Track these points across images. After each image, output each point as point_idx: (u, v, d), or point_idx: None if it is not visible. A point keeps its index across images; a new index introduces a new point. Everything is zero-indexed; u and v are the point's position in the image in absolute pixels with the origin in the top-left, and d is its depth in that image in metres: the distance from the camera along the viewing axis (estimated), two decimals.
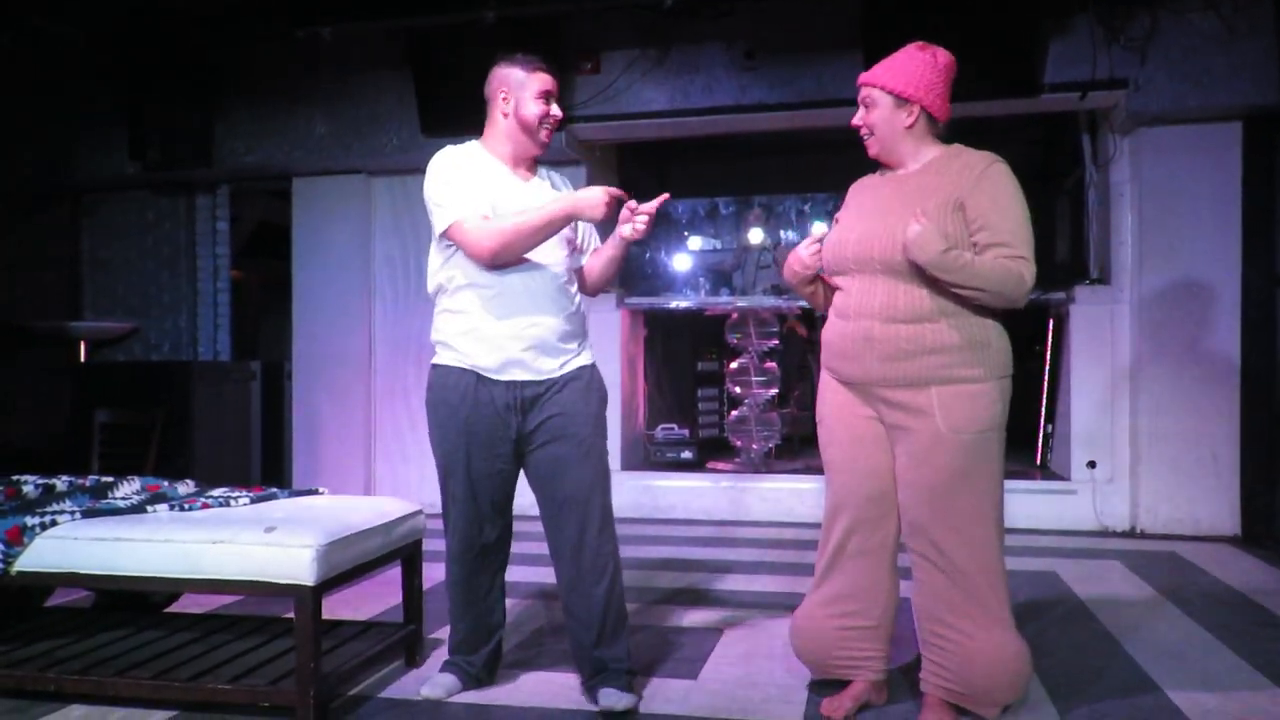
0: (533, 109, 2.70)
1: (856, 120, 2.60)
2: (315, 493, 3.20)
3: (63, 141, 6.50)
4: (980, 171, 2.45)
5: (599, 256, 2.89)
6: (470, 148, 2.78)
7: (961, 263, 2.33)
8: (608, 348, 6.14)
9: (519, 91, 2.70)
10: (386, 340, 6.34)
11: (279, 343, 6.58)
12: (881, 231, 2.46)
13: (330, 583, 2.56)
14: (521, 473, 2.79)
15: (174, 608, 3.51)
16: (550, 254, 2.71)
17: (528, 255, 2.65)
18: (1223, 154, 5.19)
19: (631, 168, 6.95)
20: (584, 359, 2.79)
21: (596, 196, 2.57)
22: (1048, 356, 6.13)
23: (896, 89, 2.51)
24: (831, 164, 7.65)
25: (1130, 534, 5.33)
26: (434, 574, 3.51)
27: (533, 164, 2.81)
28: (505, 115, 2.72)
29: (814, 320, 7.86)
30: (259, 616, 3.30)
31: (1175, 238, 5.24)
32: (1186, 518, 5.23)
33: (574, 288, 2.82)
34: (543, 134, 2.73)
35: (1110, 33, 5.06)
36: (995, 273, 2.36)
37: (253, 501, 3.00)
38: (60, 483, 3.08)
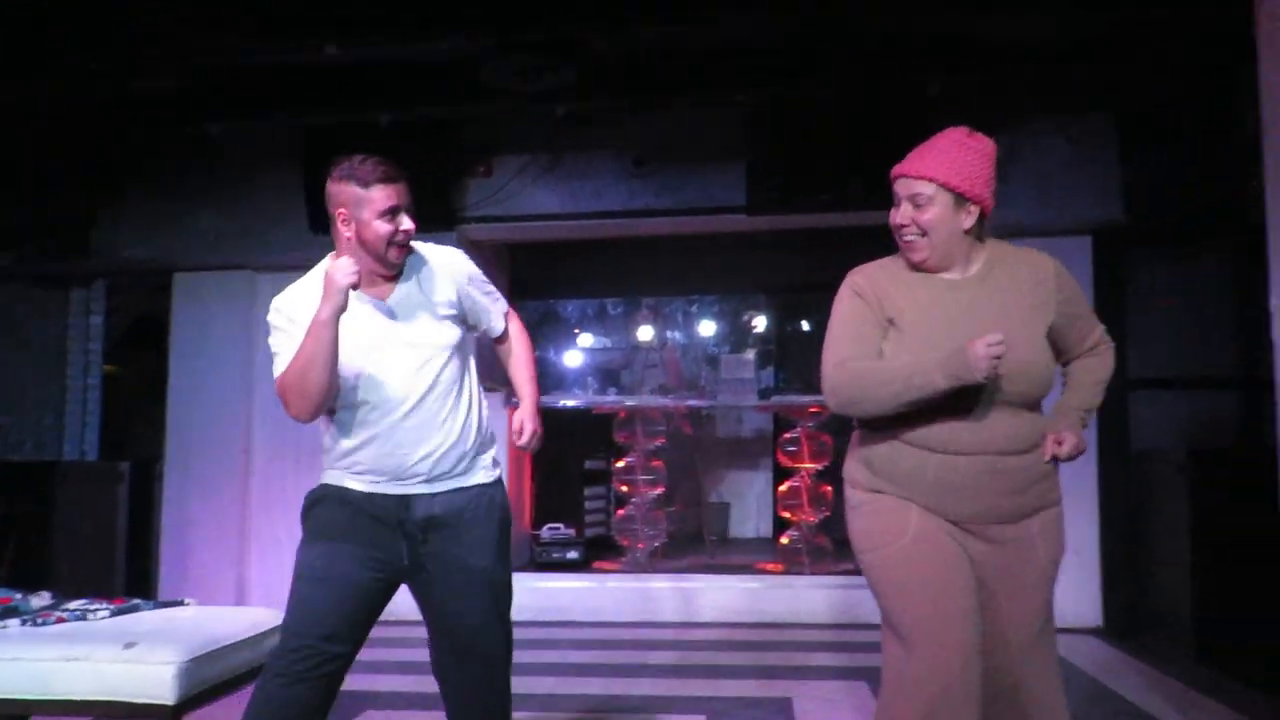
0: (376, 229, 2.34)
1: (902, 219, 2.25)
2: (181, 604, 3.07)
3: None
4: (1058, 278, 2.28)
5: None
6: (313, 278, 2.45)
7: (1097, 403, 2.32)
8: (497, 447, 6.10)
9: (358, 210, 2.35)
10: (266, 441, 6.16)
11: (152, 441, 6.33)
12: (1006, 355, 2.08)
13: (192, 701, 2.44)
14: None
15: None
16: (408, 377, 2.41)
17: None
18: (1076, 265, 5.52)
19: (522, 267, 7.03)
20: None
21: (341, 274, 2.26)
22: None
23: (960, 186, 2.20)
24: (718, 266, 7.91)
25: None
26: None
27: (390, 277, 2.45)
28: (348, 239, 2.37)
29: (700, 419, 7.99)
30: None
31: None
32: (1055, 611, 5.41)
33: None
34: (392, 254, 2.38)
35: None
36: (1101, 386, 2.35)
37: (113, 614, 2.85)
38: None
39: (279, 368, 2.38)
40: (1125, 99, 5.30)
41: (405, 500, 2.42)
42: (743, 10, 4.43)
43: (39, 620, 2.72)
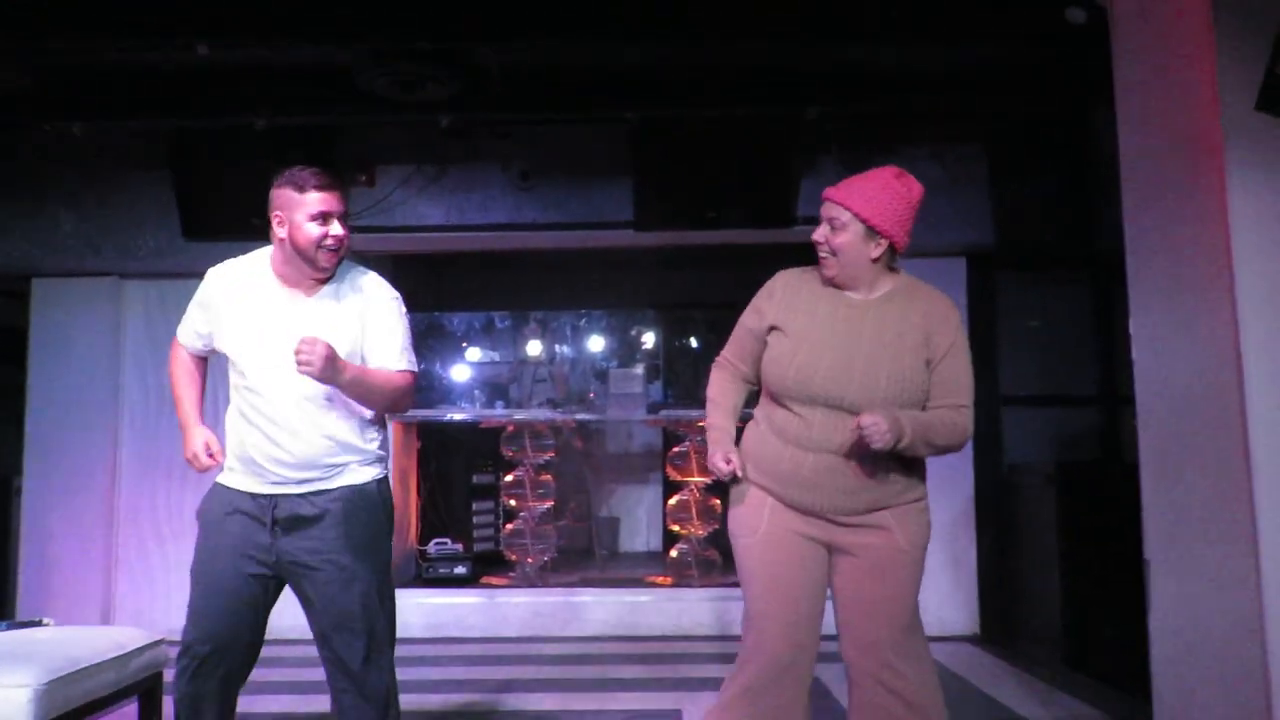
0: (307, 232, 2.52)
1: (819, 237, 2.51)
2: (40, 623, 2.90)
3: None
4: (945, 316, 2.49)
5: None
6: (251, 260, 2.68)
7: (911, 441, 2.34)
8: None
9: (291, 213, 2.53)
10: (135, 454, 5.87)
11: (11, 456, 5.96)
12: (858, 370, 2.41)
13: None
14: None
15: None
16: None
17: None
18: (951, 286, 5.75)
19: (407, 279, 6.90)
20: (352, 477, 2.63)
21: (187, 452, 2.65)
22: None
23: (872, 220, 2.44)
24: (606, 281, 7.94)
25: None
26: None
27: (316, 283, 2.61)
28: (281, 240, 2.56)
29: (590, 433, 7.98)
30: None
31: None
32: (933, 620, 5.54)
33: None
34: (321, 257, 2.54)
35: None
36: (943, 434, 2.42)
37: None
38: None
39: (180, 331, 2.78)
40: (995, 128, 5.56)
41: (274, 499, 2.56)
42: (630, 33, 4.46)
43: None
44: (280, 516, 2.55)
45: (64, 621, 3.03)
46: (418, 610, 5.77)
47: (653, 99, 5.10)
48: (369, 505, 2.62)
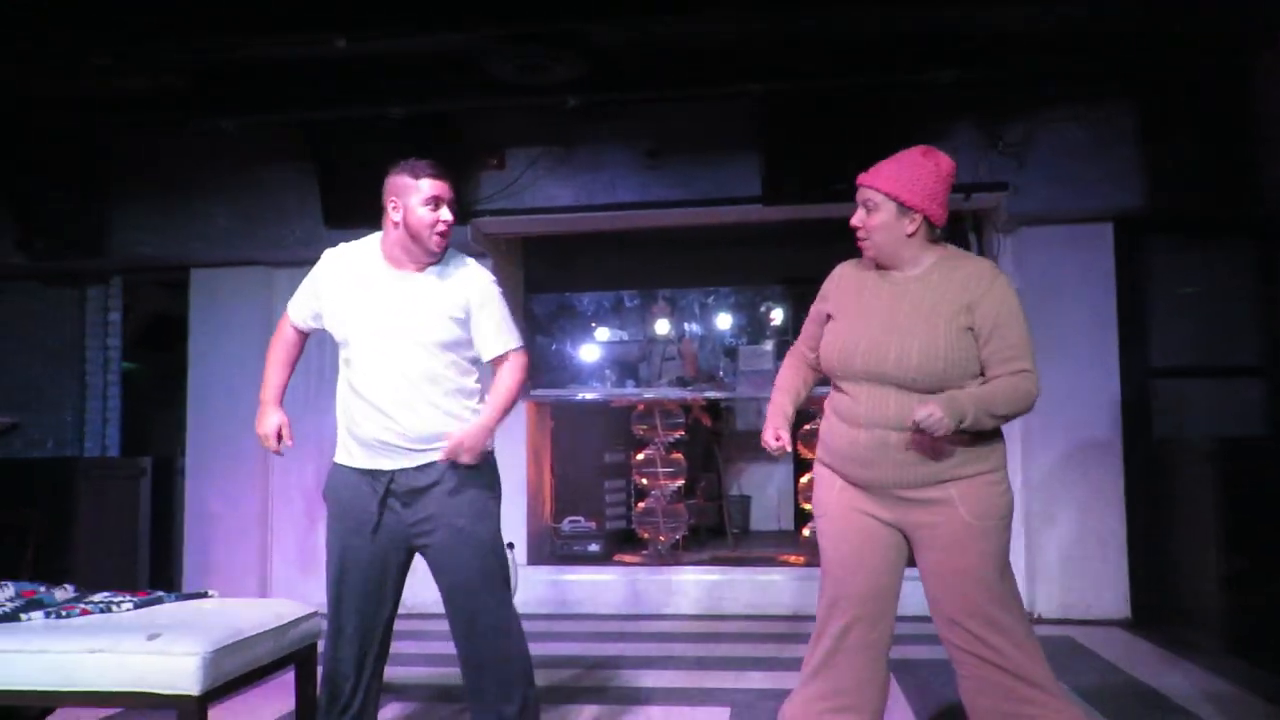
0: (419, 216, 2.70)
1: (856, 221, 2.59)
2: (204, 595, 3.07)
3: None
4: (989, 283, 2.50)
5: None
6: (362, 244, 2.86)
7: (975, 417, 2.38)
8: (513, 440, 6.11)
9: (406, 198, 2.71)
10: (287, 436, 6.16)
11: (175, 437, 6.34)
12: (893, 345, 2.48)
13: (217, 691, 2.44)
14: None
15: None
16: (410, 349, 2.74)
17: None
18: (1097, 253, 5.50)
19: (537, 260, 7.02)
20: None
21: (260, 431, 2.94)
22: None
23: (901, 196, 2.51)
24: (734, 258, 7.87)
25: (1028, 619, 5.44)
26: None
27: (423, 266, 2.79)
28: (395, 224, 2.73)
29: (719, 411, 7.96)
30: None
31: (1057, 330, 5.48)
32: (1080, 603, 5.37)
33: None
34: (432, 241, 2.72)
35: (990, 139, 5.37)
36: (1006, 403, 2.44)
37: (136, 606, 2.85)
38: None
39: (291, 306, 2.98)
40: (1143, 85, 5.24)
41: (390, 474, 2.74)
42: (756, 4, 4.38)
43: (63, 613, 2.72)
44: (397, 490, 2.73)
45: (225, 594, 3.20)
46: (551, 587, 5.89)
47: (780, 71, 5.01)
48: (478, 472, 2.79)
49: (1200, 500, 4.76)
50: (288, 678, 2.99)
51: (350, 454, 2.80)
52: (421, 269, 2.78)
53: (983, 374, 2.50)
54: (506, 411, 2.85)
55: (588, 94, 5.14)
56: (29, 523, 4.67)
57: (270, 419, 2.92)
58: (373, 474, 2.75)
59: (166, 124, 5.65)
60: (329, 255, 2.89)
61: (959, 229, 6.51)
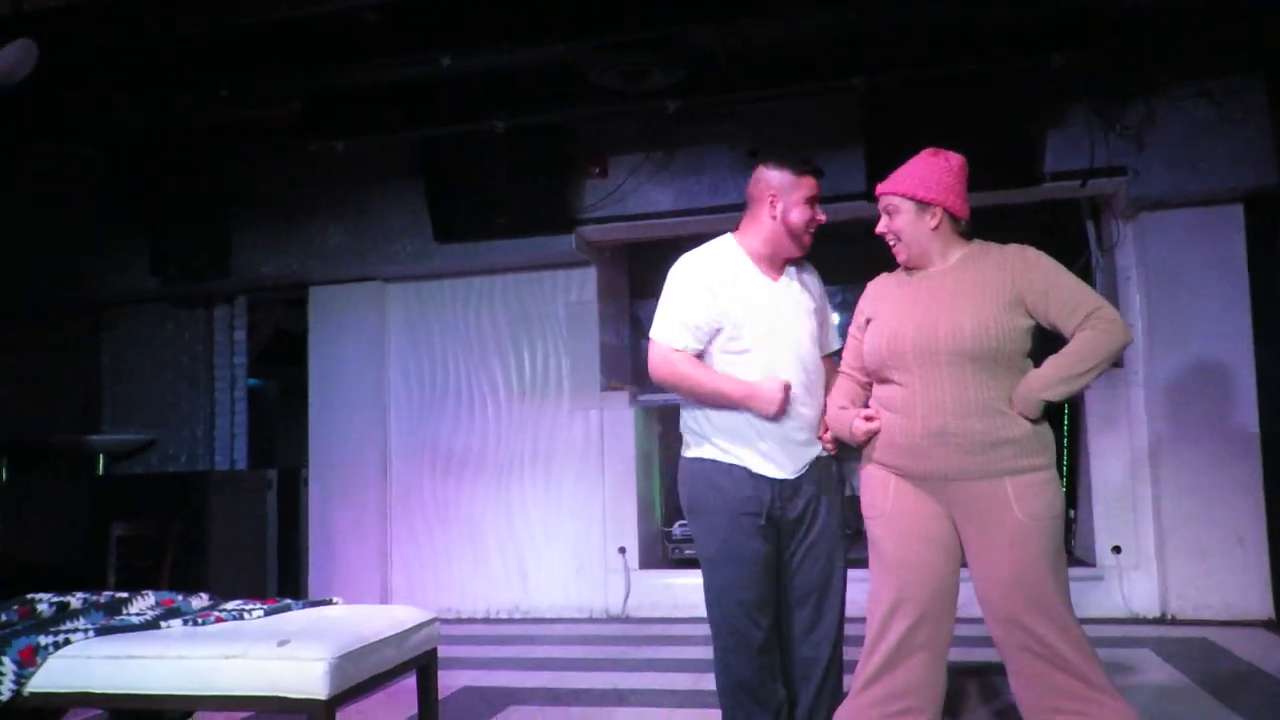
0: (800, 214, 2.74)
1: (881, 229, 2.68)
2: (329, 603, 3.16)
3: (83, 257, 6.64)
4: (1023, 256, 2.57)
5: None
6: (720, 244, 2.85)
7: (1069, 376, 2.46)
8: (623, 445, 6.14)
9: (787, 195, 2.75)
10: (402, 447, 6.35)
11: (298, 450, 6.59)
12: (943, 322, 2.52)
13: (344, 695, 2.51)
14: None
15: None
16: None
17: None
18: (1226, 235, 5.23)
19: (642, 266, 7.04)
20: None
21: (773, 396, 2.64)
22: (1064, 442, 6.09)
23: (917, 194, 2.61)
24: (837, 257, 7.74)
25: (1160, 620, 5.21)
26: (448, 683, 3.45)
27: (784, 263, 2.84)
28: (773, 218, 2.76)
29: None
30: None
31: (1184, 318, 5.25)
32: (1217, 602, 5.11)
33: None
34: (806, 238, 2.79)
35: (1107, 122, 5.16)
36: (1089, 352, 2.46)
37: (266, 614, 2.96)
38: (75, 600, 3.05)
39: (672, 338, 2.76)
40: (1273, 54, 4.95)
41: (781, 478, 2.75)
42: None
43: (199, 620, 2.84)
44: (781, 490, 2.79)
45: (347, 600, 3.29)
46: (665, 591, 5.89)
47: (881, 63, 4.92)
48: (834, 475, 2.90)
49: None
50: (408, 684, 3.06)
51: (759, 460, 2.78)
52: (781, 270, 2.84)
53: (1061, 340, 2.53)
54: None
55: (687, 98, 5.14)
56: (166, 534, 4.89)
57: (768, 383, 2.69)
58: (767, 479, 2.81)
59: (281, 149, 5.89)
60: (693, 268, 2.82)
61: (1075, 218, 6.28)
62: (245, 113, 5.46)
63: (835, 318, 3.00)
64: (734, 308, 2.72)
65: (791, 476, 2.74)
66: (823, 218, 2.78)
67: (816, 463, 2.79)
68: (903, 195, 2.63)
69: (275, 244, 6.37)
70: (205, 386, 6.84)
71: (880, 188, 2.70)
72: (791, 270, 2.85)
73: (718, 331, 2.75)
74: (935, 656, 2.60)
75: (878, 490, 2.66)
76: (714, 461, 2.75)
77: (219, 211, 6.32)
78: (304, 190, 6.27)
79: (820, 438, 2.79)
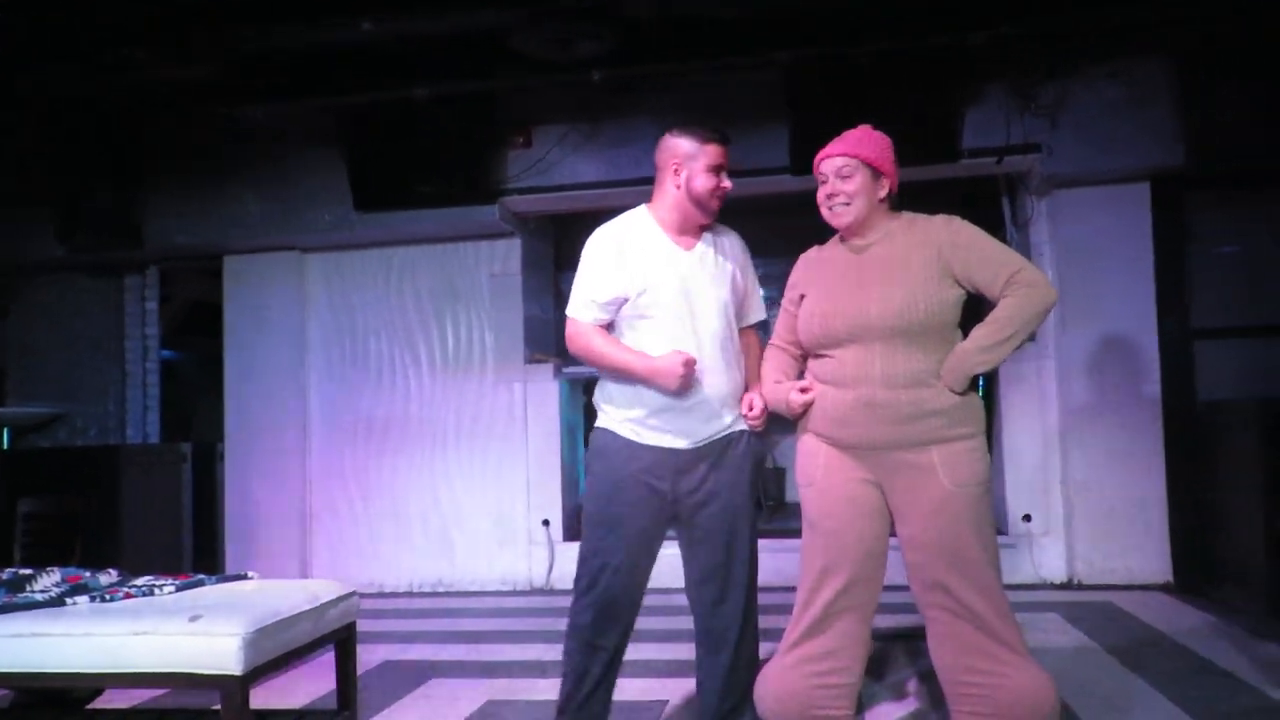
0: (704, 182, 2.72)
1: (829, 190, 2.67)
2: (245, 578, 3.12)
3: None
4: (949, 231, 2.62)
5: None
6: (632, 215, 2.84)
7: (994, 344, 2.53)
8: (547, 418, 6.14)
9: (691, 163, 2.73)
10: (322, 420, 6.25)
11: (218, 424, 6.44)
12: (874, 298, 2.56)
13: (259, 671, 2.49)
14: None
15: (97, 703, 3.38)
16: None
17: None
18: (1133, 213, 5.40)
19: (566, 237, 7.00)
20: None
21: (673, 370, 2.60)
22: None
23: (875, 162, 2.64)
24: (760, 229, 7.80)
25: (1067, 585, 5.41)
26: (367, 657, 3.43)
27: (698, 230, 2.81)
28: (677, 186, 2.74)
29: None
30: (186, 710, 3.19)
31: (1094, 294, 5.41)
32: (1120, 567, 5.32)
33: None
34: (713, 204, 2.76)
35: (1022, 101, 5.28)
36: (1016, 314, 2.52)
37: (178, 589, 2.91)
38: None
39: (578, 311, 2.76)
40: (1183, 39, 5.10)
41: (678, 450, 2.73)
42: None
43: (107, 596, 2.78)
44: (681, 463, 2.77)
45: (265, 575, 3.24)
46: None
47: (806, 39, 4.96)
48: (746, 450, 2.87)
49: (1244, 462, 4.67)
50: (326, 659, 3.04)
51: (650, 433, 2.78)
52: (697, 236, 2.80)
53: (989, 303, 2.60)
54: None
55: (613, 69, 5.11)
56: (74, 510, 4.76)
57: (669, 357, 2.64)
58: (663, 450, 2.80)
59: (197, 114, 5.70)
60: (604, 239, 2.80)
61: (991, 194, 6.42)
62: (160, 75, 5.26)
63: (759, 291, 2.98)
64: (640, 276, 2.71)
65: (689, 447, 2.72)
66: (728, 185, 2.75)
67: (723, 437, 2.77)
68: (862, 160, 2.63)
69: (190, 211, 6.17)
70: (116, 358, 6.65)
71: (832, 149, 2.69)
72: (709, 238, 2.83)
73: (625, 301, 2.74)
74: (862, 619, 2.68)
75: (810, 460, 2.71)
76: (612, 433, 2.77)
77: (131, 178, 6.11)
78: (220, 157, 6.09)
79: (745, 415, 2.79)
